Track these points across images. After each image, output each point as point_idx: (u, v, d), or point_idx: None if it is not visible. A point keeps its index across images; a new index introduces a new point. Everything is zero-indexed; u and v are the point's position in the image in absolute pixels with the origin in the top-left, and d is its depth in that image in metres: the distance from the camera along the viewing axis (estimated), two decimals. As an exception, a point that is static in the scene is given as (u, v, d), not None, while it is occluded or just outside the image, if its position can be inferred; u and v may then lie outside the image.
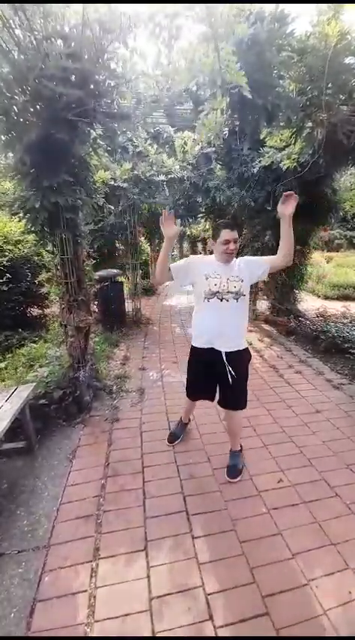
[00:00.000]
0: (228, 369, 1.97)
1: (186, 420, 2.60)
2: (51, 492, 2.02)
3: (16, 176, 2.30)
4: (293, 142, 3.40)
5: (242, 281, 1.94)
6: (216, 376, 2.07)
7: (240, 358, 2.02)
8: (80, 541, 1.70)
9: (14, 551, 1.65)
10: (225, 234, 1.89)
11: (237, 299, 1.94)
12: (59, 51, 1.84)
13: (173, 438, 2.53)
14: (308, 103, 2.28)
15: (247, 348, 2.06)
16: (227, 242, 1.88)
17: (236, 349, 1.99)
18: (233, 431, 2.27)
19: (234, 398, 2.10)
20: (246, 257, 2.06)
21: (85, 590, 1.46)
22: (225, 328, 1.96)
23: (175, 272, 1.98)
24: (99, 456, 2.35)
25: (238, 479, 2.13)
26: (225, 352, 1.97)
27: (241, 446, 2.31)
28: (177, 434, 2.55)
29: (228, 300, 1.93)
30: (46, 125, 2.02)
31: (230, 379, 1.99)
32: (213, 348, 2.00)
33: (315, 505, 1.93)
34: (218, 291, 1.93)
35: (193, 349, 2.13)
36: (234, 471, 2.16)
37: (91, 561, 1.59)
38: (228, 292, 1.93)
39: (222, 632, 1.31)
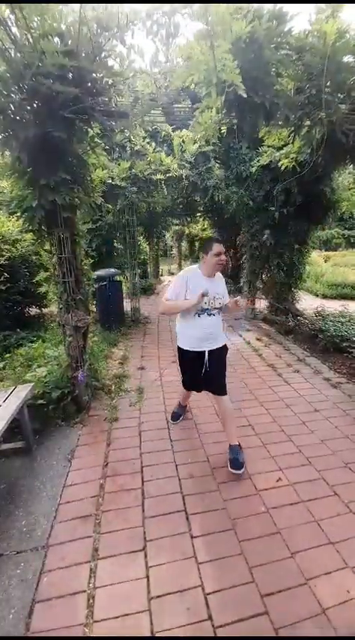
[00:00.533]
0: (206, 362, 2.27)
1: (184, 403, 2.84)
2: (49, 492, 2.01)
3: (13, 175, 2.28)
4: (291, 140, 3.39)
5: (223, 297, 2.28)
6: (198, 373, 2.32)
7: (221, 352, 2.34)
8: (79, 541, 1.69)
9: (13, 552, 1.64)
10: (217, 247, 2.15)
11: (219, 312, 2.30)
12: (56, 49, 1.82)
13: (175, 416, 2.79)
14: (306, 101, 2.27)
15: (225, 344, 2.37)
16: (219, 254, 2.14)
17: (217, 347, 2.30)
18: (225, 420, 2.37)
19: (217, 384, 2.34)
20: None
21: (84, 591, 1.46)
22: (211, 336, 2.27)
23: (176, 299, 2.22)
24: (98, 456, 2.34)
25: (242, 470, 2.16)
26: (208, 350, 2.27)
27: (239, 444, 2.31)
28: (179, 413, 2.81)
29: (214, 315, 2.26)
30: (43, 123, 2.00)
31: (206, 369, 2.27)
32: (199, 351, 2.28)
33: (314, 504, 1.93)
34: (207, 309, 2.21)
35: (183, 351, 2.36)
36: (237, 463, 2.19)
37: (90, 562, 1.59)
38: (214, 309, 2.24)
39: (221, 632, 1.31)
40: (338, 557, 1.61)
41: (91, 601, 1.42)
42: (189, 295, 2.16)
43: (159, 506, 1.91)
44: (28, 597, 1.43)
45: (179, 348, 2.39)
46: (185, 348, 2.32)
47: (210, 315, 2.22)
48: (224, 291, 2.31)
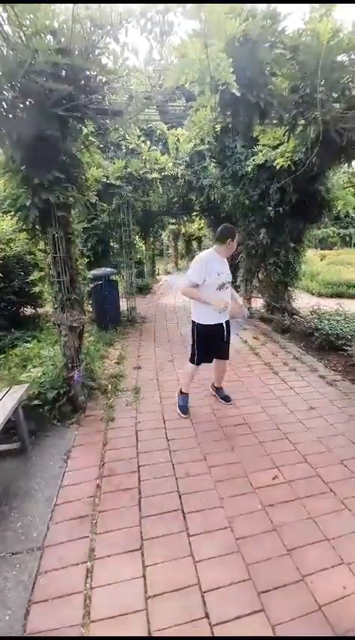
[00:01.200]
0: (226, 332, 2.81)
1: (188, 390, 3.01)
2: (45, 494, 2.00)
3: (6, 173, 2.26)
4: (286, 139, 3.40)
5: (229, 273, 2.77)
6: (217, 341, 2.81)
7: (229, 321, 2.85)
8: (75, 542, 1.69)
9: (8, 553, 1.63)
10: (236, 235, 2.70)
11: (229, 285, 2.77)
12: (49, 46, 1.81)
13: (185, 409, 2.93)
14: (300, 100, 2.27)
15: None
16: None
17: (227, 317, 2.81)
18: (221, 372, 3.11)
19: (227, 350, 2.95)
20: None
21: (81, 591, 1.45)
22: (227, 307, 2.69)
23: (199, 282, 2.60)
24: (95, 456, 2.34)
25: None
26: (225, 322, 2.77)
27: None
28: (186, 405, 2.97)
29: (227, 288, 2.72)
30: (36, 121, 1.98)
31: (225, 337, 2.83)
32: (218, 323, 2.73)
33: (310, 501, 1.94)
34: (224, 283, 2.64)
35: (205, 327, 2.74)
36: (228, 398, 3.11)
37: (86, 562, 1.58)
38: (228, 282, 2.70)
39: (217, 630, 1.31)
40: (334, 554, 1.63)
41: (88, 601, 1.41)
42: (208, 277, 2.56)
43: (156, 506, 1.91)
44: (24, 598, 1.43)
45: (200, 326, 2.74)
46: (207, 323, 2.72)
47: (226, 288, 2.69)
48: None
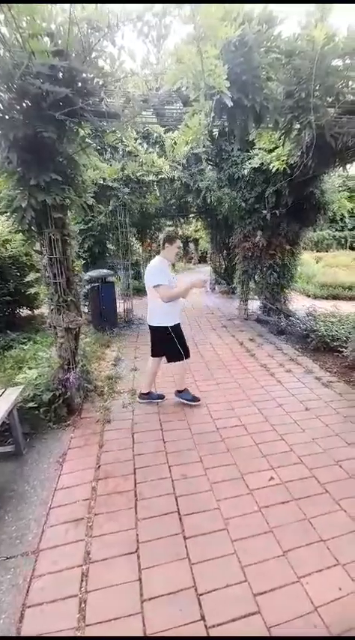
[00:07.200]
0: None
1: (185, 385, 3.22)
2: (40, 496, 1.98)
3: (2, 174, 2.26)
4: (282, 143, 3.44)
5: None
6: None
7: None
8: (70, 545, 1.67)
9: (3, 557, 1.61)
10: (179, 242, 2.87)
11: None
12: (45, 48, 1.81)
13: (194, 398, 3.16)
14: (295, 105, 2.30)
15: None
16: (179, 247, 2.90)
17: None
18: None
19: None
20: None
21: (76, 595, 1.44)
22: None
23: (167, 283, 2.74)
24: (90, 459, 2.32)
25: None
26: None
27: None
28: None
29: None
30: (33, 123, 1.98)
31: None
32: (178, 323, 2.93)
33: (305, 502, 1.95)
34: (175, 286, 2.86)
35: (174, 326, 2.86)
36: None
37: (82, 565, 1.57)
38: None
39: (213, 632, 1.31)
40: (330, 555, 1.63)
41: (83, 605, 1.40)
42: (169, 281, 2.74)
43: (152, 508, 1.90)
44: (18, 602, 1.41)
45: (175, 326, 2.85)
46: (176, 323, 2.88)
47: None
48: None
